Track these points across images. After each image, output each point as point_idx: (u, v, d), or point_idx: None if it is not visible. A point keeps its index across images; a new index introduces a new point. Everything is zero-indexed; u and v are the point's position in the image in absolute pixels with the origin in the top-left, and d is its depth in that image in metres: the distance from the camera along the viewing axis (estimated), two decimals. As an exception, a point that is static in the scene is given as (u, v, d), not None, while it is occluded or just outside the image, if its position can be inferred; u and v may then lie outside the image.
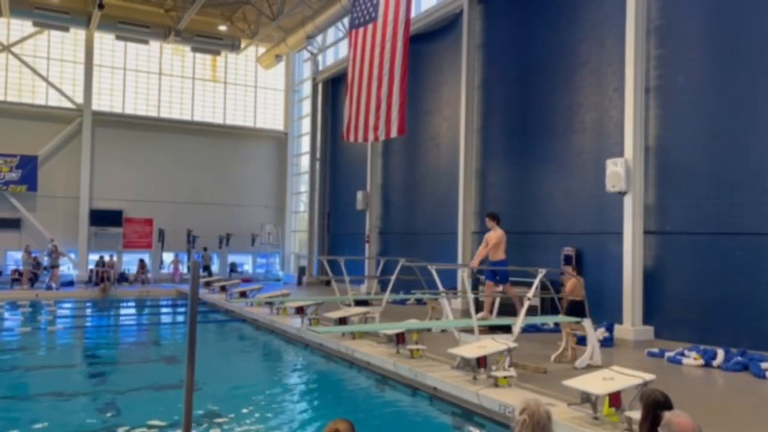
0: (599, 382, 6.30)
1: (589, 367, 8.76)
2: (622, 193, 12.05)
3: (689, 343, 10.71)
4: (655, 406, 3.70)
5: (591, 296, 10.87)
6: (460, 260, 16.58)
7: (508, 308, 11.62)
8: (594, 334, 9.34)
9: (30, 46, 24.74)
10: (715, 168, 11.04)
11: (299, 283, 25.76)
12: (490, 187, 16.71)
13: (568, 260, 13.58)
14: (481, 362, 7.99)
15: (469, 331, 9.50)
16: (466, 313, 13.93)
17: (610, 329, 11.59)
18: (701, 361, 9.62)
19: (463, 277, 10.49)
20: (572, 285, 10.46)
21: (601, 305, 12.20)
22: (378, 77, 15.65)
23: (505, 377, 7.71)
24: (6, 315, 18.03)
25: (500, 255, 11.25)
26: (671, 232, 11.70)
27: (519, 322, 9.30)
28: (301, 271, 26.64)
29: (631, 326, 11.64)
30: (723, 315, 10.68)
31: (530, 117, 15.43)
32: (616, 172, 11.97)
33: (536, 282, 9.58)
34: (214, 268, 27.26)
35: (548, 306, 13.57)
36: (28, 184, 24.01)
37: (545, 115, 14.95)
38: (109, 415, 8.06)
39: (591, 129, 13.75)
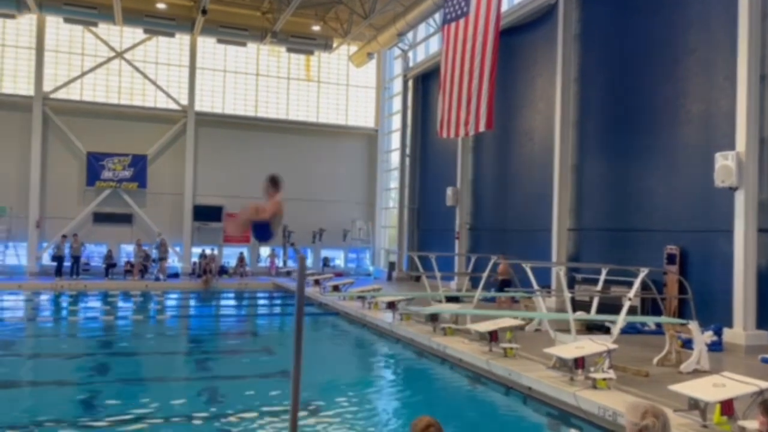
0: (710, 389, 5.96)
1: (696, 372, 8.31)
2: (732, 189, 11.29)
3: (810, 350, 9.90)
4: None
5: (697, 297, 10.30)
6: (554, 258, 16.15)
7: (608, 308, 11.18)
8: (701, 337, 8.84)
9: (140, 52, 26.43)
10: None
11: (389, 278, 26.01)
12: (587, 182, 16.16)
13: (671, 259, 12.90)
14: (579, 363, 7.77)
15: (565, 331, 9.26)
16: (561, 312, 13.58)
17: (718, 333, 10.88)
18: (824, 370, 8.86)
19: (559, 275, 10.23)
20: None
21: (709, 307, 11.50)
22: (469, 72, 15.53)
23: (604, 379, 7.45)
24: (120, 304, 19.43)
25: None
26: (790, 231, 10.85)
27: (619, 322, 8.96)
28: (391, 266, 26.88)
29: (742, 330, 10.91)
30: None
31: (631, 109, 14.77)
32: (726, 166, 11.24)
33: (637, 282, 9.19)
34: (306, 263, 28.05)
35: (649, 306, 12.97)
36: (138, 182, 25.67)
37: (647, 107, 14.26)
38: (212, 400, 8.50)
39: (698, 120, 12.98)
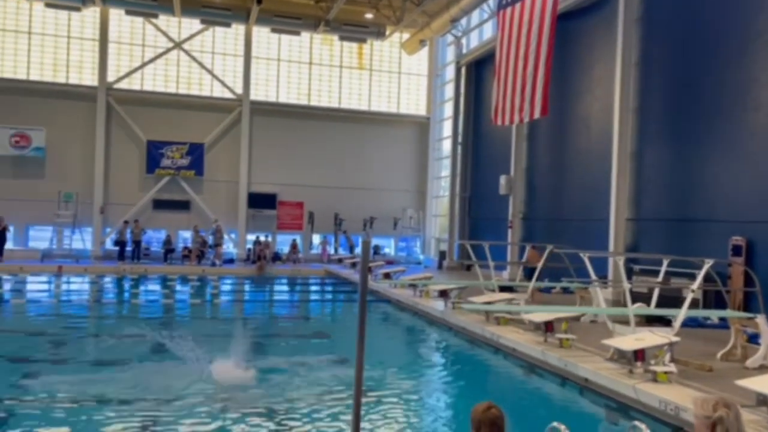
0: (780, 385, 5.72)
1: (763, 368, 7.99)
2: (805, 178, 10.74)
3: None
4: None
5: (765, 290, 9.87)
6: (611, 248, 15.76)
7: (668, 300, 10.85)
8: (769, 332, 8.47)
9: (197, 42, 27.02)
10: None
11: (439, 266, 25.93)
12: (647, 170, 15.65)
13: (737, 251, 12.39)
14: (639, 355, 7.57)
15: (623, 322, 9.04)
16: (617, 304, 13.27)
17: (787, 328, 10.42)
18: None
19: (618, 265, 9.97)
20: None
21: (777, 301, 11.00)
22: (524, 58, 15.24)
23: (665, 372, 7.25)
24: (178, 287, 20.05)
25: None
26: None
27: (681, 315, 8.68)
28: (442, 255, 26.78)
29: (813, 326, 10.38)
30: None
31: (694, 95, 14.20)
32: (799, 153, 10.69)
33: (701, 273, 8.87)
34: (356, 251, 28.25)
35: (712, 299, 12.50)
36: (195, 170, 26.35)
37: (712, 93, 13.68)
38: (268, 382, 8.66)
39: (767, 106, 12.37)
